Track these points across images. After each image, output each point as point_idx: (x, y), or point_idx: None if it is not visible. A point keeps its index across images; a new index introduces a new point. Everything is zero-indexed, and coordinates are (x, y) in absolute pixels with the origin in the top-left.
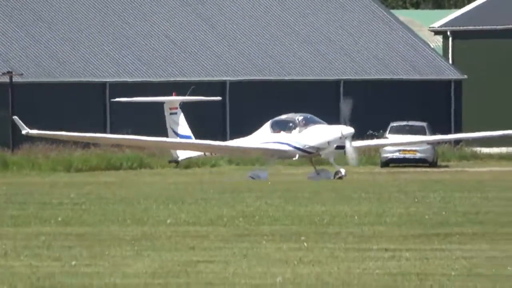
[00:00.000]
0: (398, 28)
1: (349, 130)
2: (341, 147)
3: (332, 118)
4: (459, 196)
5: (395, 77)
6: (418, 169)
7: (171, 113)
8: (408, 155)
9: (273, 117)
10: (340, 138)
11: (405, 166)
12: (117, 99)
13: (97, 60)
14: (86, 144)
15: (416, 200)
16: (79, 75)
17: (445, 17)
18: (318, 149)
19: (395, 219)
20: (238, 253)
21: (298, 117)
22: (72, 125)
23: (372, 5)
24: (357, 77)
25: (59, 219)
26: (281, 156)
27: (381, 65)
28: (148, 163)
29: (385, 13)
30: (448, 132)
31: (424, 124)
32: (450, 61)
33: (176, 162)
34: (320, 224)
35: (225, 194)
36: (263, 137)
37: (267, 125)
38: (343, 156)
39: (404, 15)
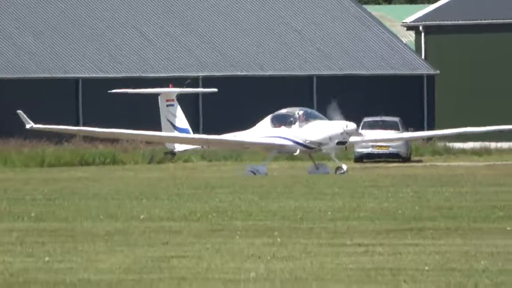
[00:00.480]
0: (371, 23)
1: (352, 125)
2: (343, 143)
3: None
4: (432, 190)
5: (368, 72)
6: (392, 164)
7: (168, 105)
8: (381, 150)
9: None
10: (342, 133)
11: (378, 161)
12: (114, 91)
13: (68, 55)
14: (59, 140)
15: (389, 195)
16: (49, 71)
17: (418, 12)
18: (319, 144)
19: (369, 214)
20: (212, 249)
21: (299, 111)
22: (46, 121)
23: (345, 1)
24: (330, 73)
25: (32, 214)
26: (281, 151)
27: (354, 60)
28: (121, 159)
29: (358, 9)
30: (420, 127)
31: (397, 119)
32: (423, 56)
33: (172, 154)
34: (293, 219)
35: (198, 189)
36: (263, 131)
37: (267, 119)
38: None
39: (377, 10)
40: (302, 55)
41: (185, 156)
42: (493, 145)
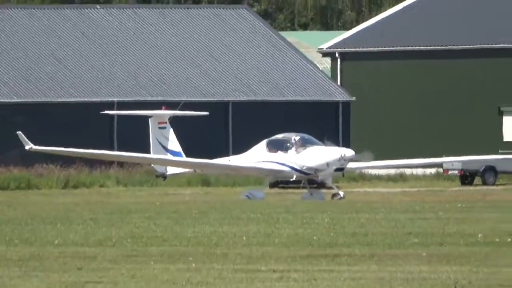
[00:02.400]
0: (286, 49)
1: (350, 152)
2: (340, 169)
3: (221, 138)
4: (347, 217)
5: (283, 98)
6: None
7: (160, 127)
8: None
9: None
10: (339, 160)
11: (293, 187)
12: (106, 112)
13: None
14: None
15: (304, 221)
16: None
17: (334, 38)
18: (316, 170)
19: (284, 239)
20: (126, 274)
21: (295, 137)
22: None
23: (260, 27)
24: (245, 99)
25: None
26: (277, 177)
27: (270, 86)
28: (36, 184)
29: (273, 35)
30: None
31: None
32: (339, 83)
33: (163, 177)
34: (208, 245)
35: (114, 214)
36: (259, 156)
37: (263, 144)
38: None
39: (293, 36)
40: (218, 81)
41: (101, 181)
42: (408, 171)
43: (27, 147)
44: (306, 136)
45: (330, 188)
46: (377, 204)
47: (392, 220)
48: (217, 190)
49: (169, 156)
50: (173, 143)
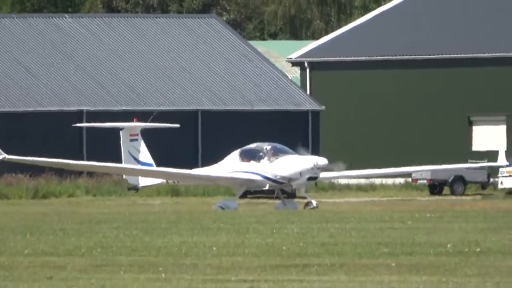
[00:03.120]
0: (256, 58)
1: (323, 161)
2: (313, 178)
3: (190, 148)
4: (317, 227)
5: (253, 108)
6: (277, 200)
7: (131, 140)
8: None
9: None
10: (312, 168)
11: (263, 197)
12: (77, 125)
13: None
14: None
15: (274, 231)
16: None
17: (303, 48)
18: (289, 179)
19: (254, 250)
20: (96, 284)
21: (267, 146)
22: None
23: (230, 36)
24: (214, 108)
25: None
26: (250, 186)
27: (239, 95)
28: (5, 193)
29: (242, 44)
30: None
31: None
32: (308, 92)
33: (135, 189)
34: (177, 255)
35: (83, 224)
36: (231, 166)
37: (235, 154)
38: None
39: (262, 46)
40: (187, 90)
41: (70, 191)
42: (377, 181)
43: (0, 157)
44: (279, 145)
45: (303, 197)
46: (347, 214)
47: (361, 230)
48: (187, 200)
49: (143, 166)
50: (145, 155)
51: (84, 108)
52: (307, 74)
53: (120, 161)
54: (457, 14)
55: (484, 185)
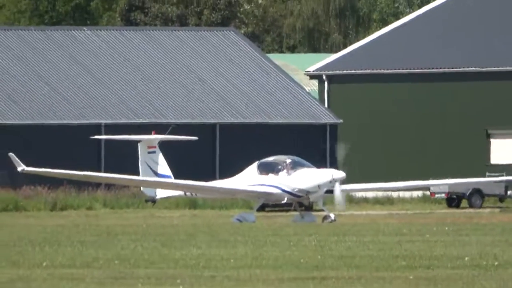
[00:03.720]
0: (274, 72)
1: (340, 174)
2: (331, 191)
3: (208, 161)
4: (334, 239)
5: (270, 121)
6: (294, 213)
7: (149, 152)
8: None
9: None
10: (330, 182)
11: (281, 210)
12: (96, 137)
13: None
14: None
15: (291, 243)
16: None
17: (321, 61)
18: (307, 192)
19: (271, 262)
20: None
21: (286, 159)
22: None
23: (248, 49)
24: (233, 121)
25: None
26: (268, 199)
27: (257, 108)
28: (24, 206)
29: (260, 57)
30: None
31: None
32: (326, 105)
33: (153, 201)
34: (195, 267)
35: (101, 236)
36: (250, 179)
37: (254, 167)
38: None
39: (280, 59)
40: (205, 103)
41: (88, 203)
42: (395, 194)
43: (19, 169)
44: (297, 158)
45: (321, 210)
46: (364, 226)
47: (379, 242)
48: (205, 212)
49: (160, 178)
50: (163, 167)
51: (103, 121)
52: (325, 87)
53: (138, 174)
54: (475, 28)
55: (502, 198)
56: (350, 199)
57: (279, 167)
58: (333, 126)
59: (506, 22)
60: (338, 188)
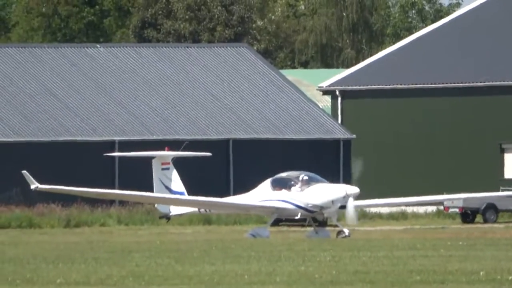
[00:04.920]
0: (287, 87)
1: (354, 189)
2: (345, 207)
3: (221, 177)
4: (349, 255)
5: (283, 136)
6: (308, 228)
7: (163, 169)
8: None
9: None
10: (344, 197)
11: (295, 225)
12: (109, 154)
13: None
14: None
15: (306, 258)
16: None
17: (334, 76)
18: (321, 208)
19: (285, 278)
20: None
21: (300, 175)
22: None
23: (261, 65)
24: (245, 137)
25: None
26: (282, 215)
27: (270, 124)
28: (37, 223)
29: (273, 73)
30: None
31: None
32: (339, 121)
33: (167, 218)
34: (209, 283)
35: (115, 253)
36: (263, 195)
37: (267, 183)
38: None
39: (293, 74)
40: (218, 119)
41: (102, 220)
42: (409, 209)
43: (32, 187)
44: (311, 174)
45: (335, 226)
46: (378, 242)
47: (393, 258)
48: (219, 228)
49: (174, 195)
50: (176, 184)
51: (116, 138)
52: (338, 102)
53: (152, 190)
54: (489, 42)
55: None
56: (364, 215)
57: (292, 182)
58: (347, 142)
59: None
60: (351, 203)
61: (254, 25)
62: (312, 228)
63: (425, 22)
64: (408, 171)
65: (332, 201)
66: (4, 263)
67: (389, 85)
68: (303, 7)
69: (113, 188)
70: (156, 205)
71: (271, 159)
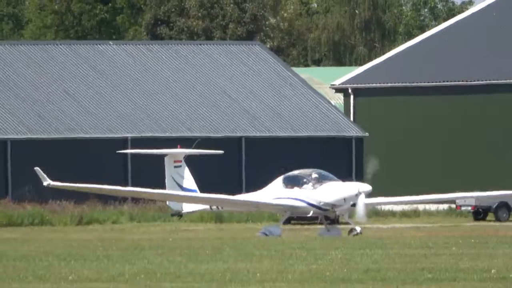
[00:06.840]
0: (299, 85)
1: (367, 187)
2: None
3: (234, 174)
4: (360, 253)
5: (296, 134)
6: (320, 226)
7: (175, 166)
8: None
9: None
10: (356, 195)
11: (307, 223)
12: (122, 151)
13: None
14: None
15: (317, 257)
16: None
17: (347, 74)
18: (333, 206)
19: (297, 276)
20: None
21: (312, 173)
22: None
23: (273, 63)
24: (258, 134)
25: None
26: (294, 212)
27: (282, 122)
28: (49, 220)
29: (286, 71)
30: None
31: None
32: (352, 118)
33: (179, 215)
34: (221, 281)
35: (127, 251)
36: (275, 193)
37: (279, 180)
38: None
39: (305, 72)
40: (231, 117)
41: (114, 217)
42: (421, 207)
43: (45, 183)
44: (323, 171)
45: (347, 223)
46: (390, 239)
47: (405, 255)
48: (231, 226)
49: (186, 192)
50: (189, 181)
51: (129, 135)
52: (351, 100)
53: (164, 188)
54: (501, 39)
55: None
56: (377, 212)
57: (304, 180)
58: (359, 140)
59: None
60: (362, 200)
61: (266, 23)
62: (324, 226)
63: (437, 20)
64: (420, 169)
65: (344, 199)
66: (16, 260)
67: (402, 83)
68: (315, 5)
69: (126, 185)
70: (168, 203)
71: (284, 157)
